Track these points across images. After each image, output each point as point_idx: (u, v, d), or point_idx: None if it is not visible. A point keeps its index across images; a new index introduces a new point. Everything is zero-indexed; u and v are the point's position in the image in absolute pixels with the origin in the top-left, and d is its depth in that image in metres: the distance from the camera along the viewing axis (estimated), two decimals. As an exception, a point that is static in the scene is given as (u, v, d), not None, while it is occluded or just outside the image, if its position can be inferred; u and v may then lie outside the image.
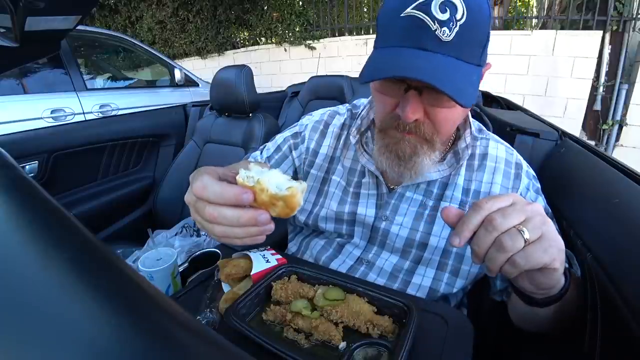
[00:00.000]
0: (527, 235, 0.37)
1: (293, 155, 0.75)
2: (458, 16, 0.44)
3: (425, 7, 0.45)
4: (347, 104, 0.79)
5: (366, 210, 0.66)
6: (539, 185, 0.66)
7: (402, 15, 0.46)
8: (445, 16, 0.44)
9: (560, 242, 0.39)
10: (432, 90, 0.48)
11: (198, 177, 0.43)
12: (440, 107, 0.51)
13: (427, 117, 0.53)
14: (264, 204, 0.41)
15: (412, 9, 0.45)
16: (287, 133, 0.78)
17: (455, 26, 0.45)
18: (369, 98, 0.71)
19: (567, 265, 0.44)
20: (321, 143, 0.73)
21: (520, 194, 0.62)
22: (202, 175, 0.43)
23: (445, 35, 0.45)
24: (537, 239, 0.38)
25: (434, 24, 0.45)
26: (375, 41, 0.54)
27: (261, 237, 0.43)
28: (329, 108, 0.79)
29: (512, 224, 0.38)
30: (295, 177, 0.77)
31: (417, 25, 0.45)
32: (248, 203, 0.41)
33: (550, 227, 0.39)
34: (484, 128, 0.70)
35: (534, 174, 0.67)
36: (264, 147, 0.80)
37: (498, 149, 0.66)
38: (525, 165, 0.66)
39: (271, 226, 0.42)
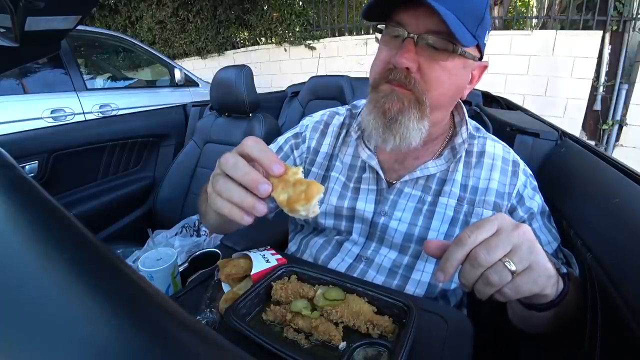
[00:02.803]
0: (513, 268, 0.36)
1: (294, 155, 0.76)
2: None
3: None
4: (347, 105, 0.80)
5: (365, 205, 0.66)
6: (536, 184, 0.66)
7: None
8: None
9: (549, 270, 0.39)
10: (427, 45, 0.52)
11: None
12: (436, 60, 0.53)
13: (420, 72, 0.54)
14: (285, 182, 0.41)
15: None
16: (288, 134, 0.79)
17: None
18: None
19: (565, 271, 0.44)
20: (322, 142, 0.74)
21: (518, 191, 0.63)
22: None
23: None
24: (524, 270, 0.37)
25: None
26: None
27: (249, 218, 0.41)
28: (328, 109, 0.80)
29: (497, 257, 0.36)
30: None
31: None
32: (278, 173, 0.40)
33: (539, 255, 0.38)
34: (481, 127, 0.71)
35: (531, 172, 0.67)
36: None
37: (495, 147, 0.67)
38: (522, 163, 0.66)
39: (263, 208, 0.40)
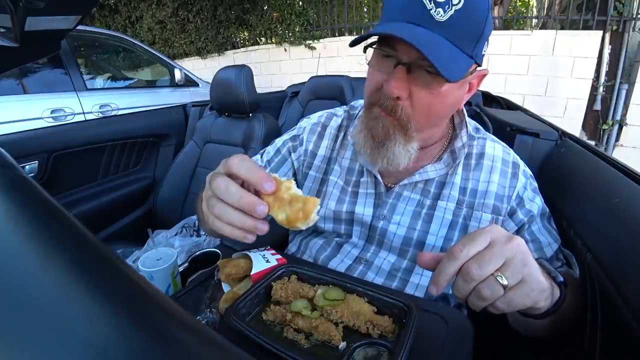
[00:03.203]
0: (505, 282, 0.36)
1: (292, 158, 0.76)
2: (455, 1, 0.47)
3: None
4: (345, 106, 0.79)
5: (364, 209, 0.66)
6: (536, 185, 0.66)
7: None
8: None
9: (542, 283, 0.39)
10: (420, 70, 0.51)
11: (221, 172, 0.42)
12: (426, 88, 0.52)
13: (410, 99, 0.53)
14: (280, 201, 0.41)
15: None
16: (285, 136, 0.79)
17: (450, 9, 0.47)
18: None
19: (562, 279, 0.43)
20: (319, 145, 0.74)
21: (518, 193, 0.63)
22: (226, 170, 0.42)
23: (439, 15, 0.47)
24: (517, 284, 0.37)
25: (430, 4, 0.47)
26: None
27: (251, 237, 0.42)
28: (326, 110, 0.79)
29: (489, 271, 0.36)
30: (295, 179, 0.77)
31: (413, 3, 0.48)
32: (270, 191, 0.40)
33: (532, 269, 0.38)
34: (481, 128, 0.70)
35: (531, 173, 0.67)
36: (264, 151, 0.80)
37: (495, 148, 0.66)
38: (522, 164, 0.66)
39: (265, 227, 0.41)
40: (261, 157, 0.80)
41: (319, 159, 0.73)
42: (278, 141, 0.79)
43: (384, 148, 0.56)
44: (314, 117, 0.78)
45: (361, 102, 0.76)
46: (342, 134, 0.73)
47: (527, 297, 0.37)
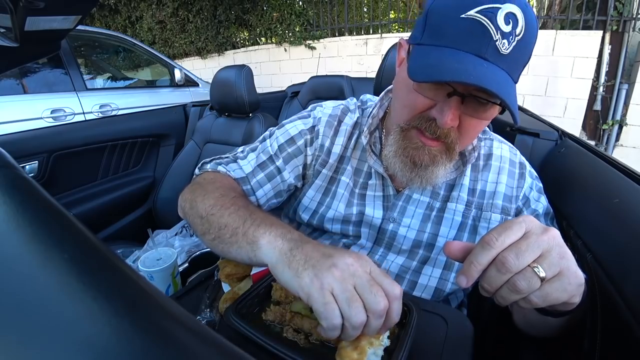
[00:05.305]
0: (543, 274, 0.34)
1: (307, 152, 0.70)
2: (518, 31, 0.44)
3: (491, 15, 0.43)
4: (355, 100, 0.74)
5: (374, 211, 0.65)
6: (541, 185, 0.66)
7: (462, 16, 0.44)
8: (508, 28, 0.43)
9: (579, 277, 0.36)
10: (473, 100, 0.48)
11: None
12: (476, 117, 0.50)
13: (458, 126, 0.52)
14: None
15: (477, 12, 0.43)
16: (300, 125, 0.70)
17: (514, 40, 0.44)
18: (381, 95, 0.69)
19: (586, 275, 0.42)
20: (334, 141, 0.69)
21: (524, 194, 0.63)
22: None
23: (504, 48, 0.44)
24: (554, 277, 0.35)
25: (497, 34, 0.43)
26: (419, 35, 0.50)
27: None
28: (340, 102, 0.73)
29: (527, 262, 0.34)
30: (304, 173, 0.72)
31: (479, 32, 0.44)
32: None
33: (570, 261, 0.36)
34: (487, 128, 0.70)
35: (536, 174, 0.67)
36: (272, 134, 0.72)
37: (502, 149, 0.67)
38: (528, 165, 0.66)
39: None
40: (269, 141, 0.71)
41: (332, 156, 0.68)
42: (291, 128, 0.70)
43: (426, 171, 0.54)
44: (329, 108, 0.71)
45: (369, 96, 0.74)
46: (356, 132, 0.69)
47: (563, 291, 0.35)
